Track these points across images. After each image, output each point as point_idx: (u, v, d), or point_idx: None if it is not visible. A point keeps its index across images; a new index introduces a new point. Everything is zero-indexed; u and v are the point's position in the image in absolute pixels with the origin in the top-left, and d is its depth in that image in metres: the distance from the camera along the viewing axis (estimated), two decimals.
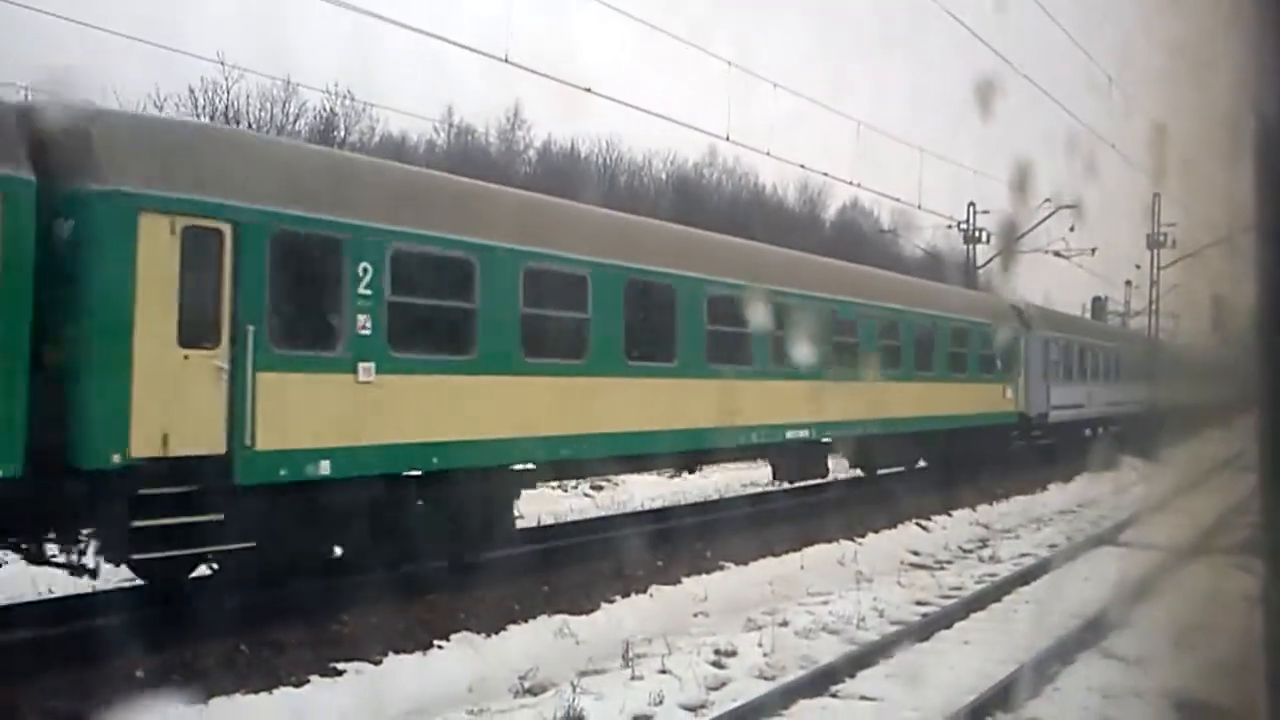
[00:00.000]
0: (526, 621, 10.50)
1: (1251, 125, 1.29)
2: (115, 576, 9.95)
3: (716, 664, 9.34)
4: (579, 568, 12.40)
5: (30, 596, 10.43)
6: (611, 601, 11.51)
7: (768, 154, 22.43)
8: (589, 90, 17.32)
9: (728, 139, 21.07)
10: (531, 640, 9.96)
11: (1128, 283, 55.47)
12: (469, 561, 11.22)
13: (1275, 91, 1.11)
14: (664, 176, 57.96)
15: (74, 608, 9.43)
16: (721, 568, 13.42)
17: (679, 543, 13.91)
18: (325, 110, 42.51)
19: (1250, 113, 1.29)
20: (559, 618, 10.56)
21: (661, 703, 8.17)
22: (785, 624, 10.72)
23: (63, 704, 7.49)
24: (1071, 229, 35.93)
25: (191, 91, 38.77)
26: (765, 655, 9.58)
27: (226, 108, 38.54)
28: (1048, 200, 34.59)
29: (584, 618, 10.74)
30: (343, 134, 41.81)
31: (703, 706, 8.23)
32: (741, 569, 13.49)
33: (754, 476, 23.07)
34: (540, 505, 16.68)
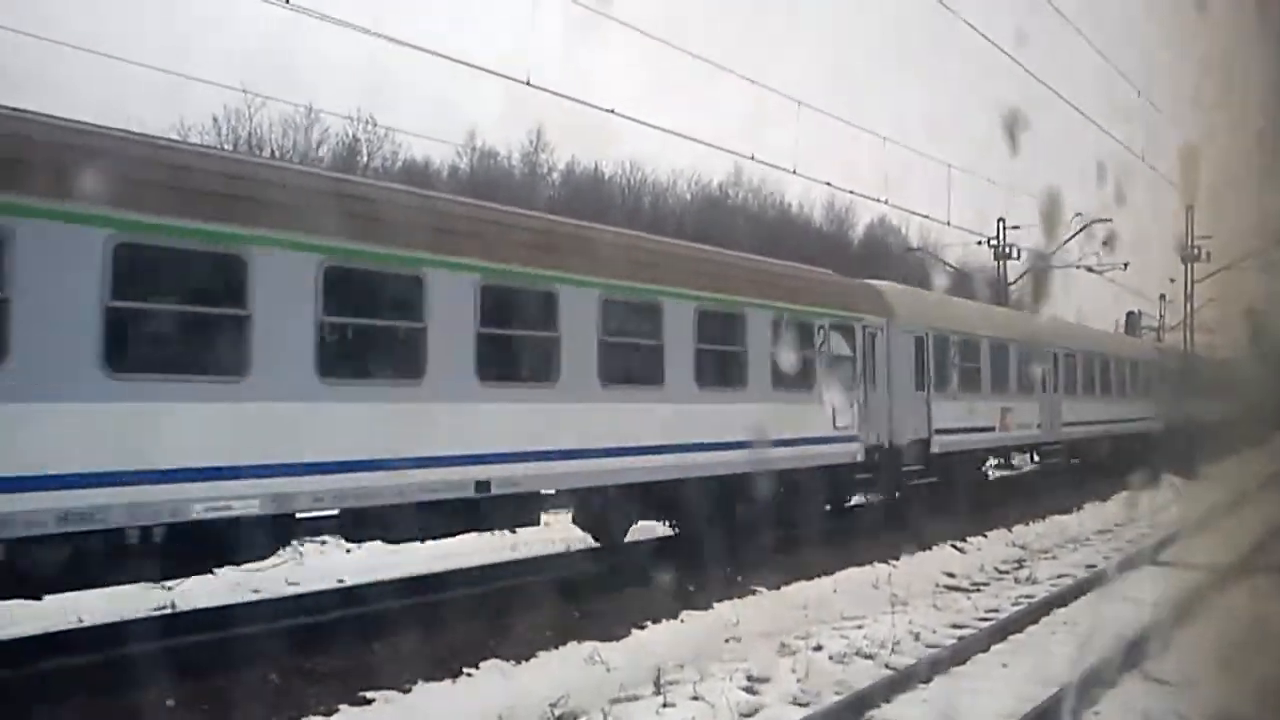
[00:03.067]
0: (557, 648, 10.43)
1: None
2: None
3: (749, 690, 9.21)
4: (611, 594, 12.36)
5: None
6: (642, 627, 11.41)
7: (793, 172, 22.41)
8: (612, 112, 17.37)
9: (753, 158, 21.09)
10: (562, 667, 9.88)
11: (1162, 297, 55.04)
12: None
13: None
14: (689, 197, 58.13)
15: None
16: (753, 592, 13.29)
17: (708, 567, 13.80)
18: (348, 136, 43.05)
19: None
20: (589, 644, 10.48)
21: None
22: (819, 648, 10.59)
23: None
24: (1105, 244, 35.66)
25: (215, 120, 39.43)
26: (799, 681, 9.45)
27: (249, 135, 39.17)
28: (1079, 215, 34.31)
29: (615, 644, 10.65)
30: (365, 159, 42.28)
31: None
32: (773, 593, 13.35)
33: None
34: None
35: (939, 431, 20.09)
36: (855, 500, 19.12)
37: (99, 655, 9.01)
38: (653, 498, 14.35)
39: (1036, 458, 28.21)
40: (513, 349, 12.24)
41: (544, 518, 13.84)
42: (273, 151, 38.87)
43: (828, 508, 18.08)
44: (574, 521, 14.92)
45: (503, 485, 11.53)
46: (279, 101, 39.46)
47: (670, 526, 15.69)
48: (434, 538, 11.72)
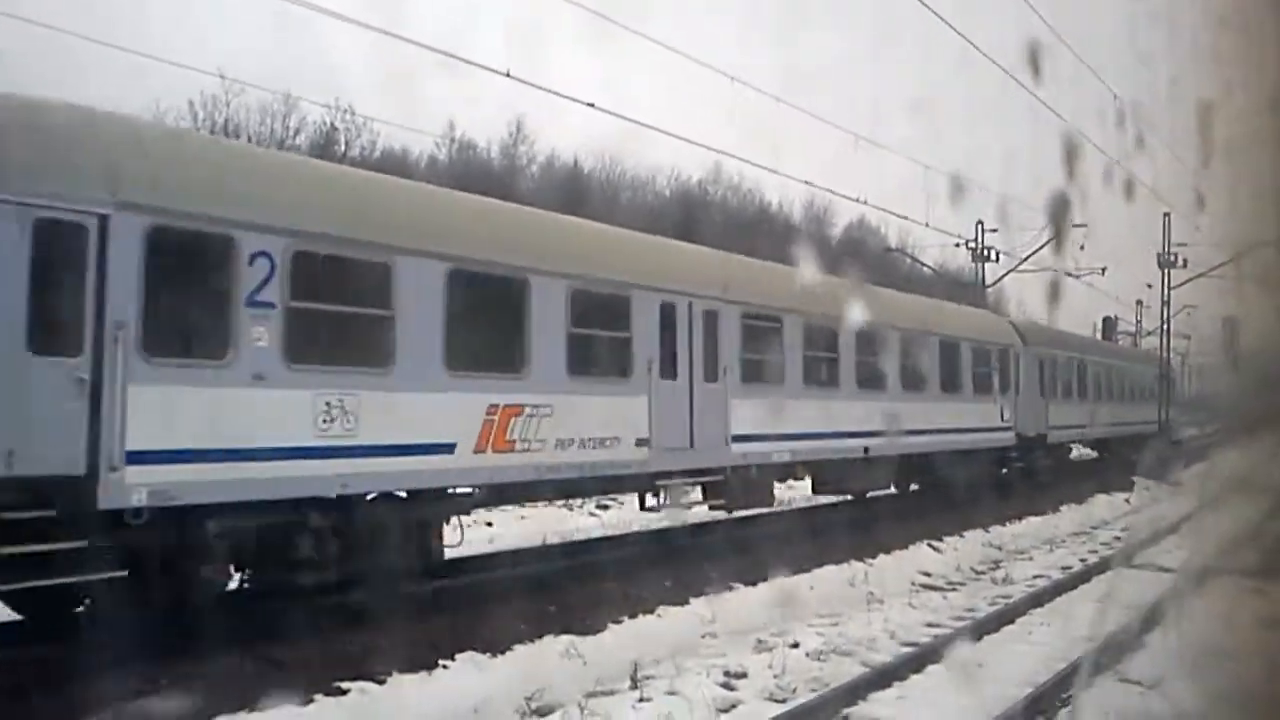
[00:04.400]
0: (533, 641, 10.41)
1: None
2: None
3: (726, 685, 9.24)
4: (587, 588, 12.32)
5: None
6: (619, 622, 11.41)
7: (773, 171, 22.37)
8: (592, 105, 17.36)
9: (732, 155, 21.04)
10: (538, 661, 9.87)
11: (1139, 302, 55.51)
12: None
13: None
14: (668, 193, 58.02)
15: None
16: (730, 588, 13.30)
17: (685, 564, 13.81)
18: (325, 124, 42.73)
19: None
20: (566, 638, 10.47)
21: None
22: (796, 645, 10.63)
23: None
24: (1081, 248, 35.73)
25: (191, 105, 39.12)
26: (775, 677, 9.49)
27: (226, 121, 38.87)
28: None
29: (591, 638, 10.65)
30: (343, 148, 41.94)
31: None
32: (750, 590, 13.36)
33: None
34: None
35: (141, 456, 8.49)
36: None
37: None
38: None
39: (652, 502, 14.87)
40: None
41: None
42: (250, 137, 38.59)
43: None
44: None
45: None
46: (257, 89, 38.91)
47: None
48: None
